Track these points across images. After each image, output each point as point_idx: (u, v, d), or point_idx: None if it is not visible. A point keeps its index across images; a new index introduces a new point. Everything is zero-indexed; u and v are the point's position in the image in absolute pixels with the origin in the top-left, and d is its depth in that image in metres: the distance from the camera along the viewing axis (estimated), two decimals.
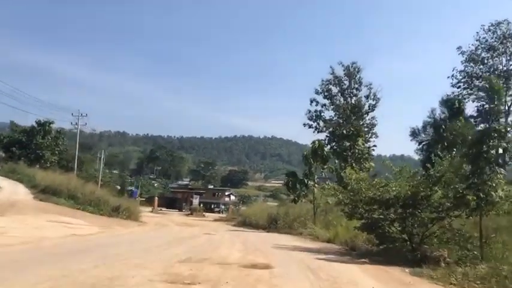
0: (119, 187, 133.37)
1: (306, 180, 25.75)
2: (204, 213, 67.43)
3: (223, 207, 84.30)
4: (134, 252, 11.62)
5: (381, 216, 13.40)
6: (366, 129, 42.97)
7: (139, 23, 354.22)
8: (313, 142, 26.33)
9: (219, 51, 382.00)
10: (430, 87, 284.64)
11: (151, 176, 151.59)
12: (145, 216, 49.81)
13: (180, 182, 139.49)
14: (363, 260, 12.60)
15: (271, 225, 28.51)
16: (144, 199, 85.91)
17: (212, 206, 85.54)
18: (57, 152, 48.84)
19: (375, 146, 36.86)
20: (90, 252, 11.04)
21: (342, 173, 15.17)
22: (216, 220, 50.69)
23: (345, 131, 29.11)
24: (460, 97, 42.34)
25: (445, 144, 28.12)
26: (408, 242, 13.09)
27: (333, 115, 50.46)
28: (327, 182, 26.35)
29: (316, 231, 21.09)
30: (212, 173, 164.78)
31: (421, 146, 37.17)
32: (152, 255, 10.81)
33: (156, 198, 70.92)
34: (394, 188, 13.04)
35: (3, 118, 48.83)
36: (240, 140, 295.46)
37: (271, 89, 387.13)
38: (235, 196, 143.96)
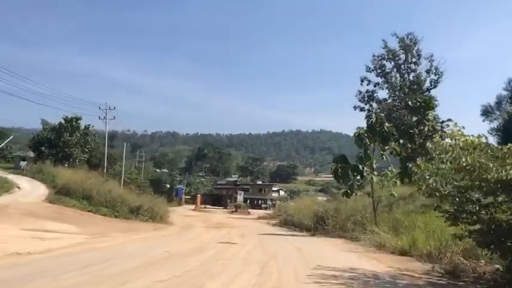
0: (168, 185, 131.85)
1: (360, 167, 18.94)
2: (249, 210, 61.85)
3: (270, 203, 78.20)
4: None
5: None
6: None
7: (186, 25, 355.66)
8: (369, 116, 19.54)
9: (264, 46, 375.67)
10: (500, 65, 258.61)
11: (200, 174, 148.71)
12: (182, 215, 45.05)
13: (228, 179, 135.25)
14: None
15: (318, 225, 21.99)
16: (189, 197, 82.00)
17: (259, 202, 79.70)
18: (87, 150, 44.93)
19: (449, 120, 27.62)
20: None
21: (435, 138, 7.84)
22: (259, 218, 44.68)
23: (410, 103, 21.84)
24: None
25: None
26: None
27: (388, 95, 43.14)
28: (389, 168, 19.40)
29: (380, 237, 14.34)
30: (260, 168, 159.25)
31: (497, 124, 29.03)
32: None
33: (199, 195, 66.15)
34: None
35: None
36: (288, 134, 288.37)
37: (318, 82, 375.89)
38: (285, 191, 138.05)
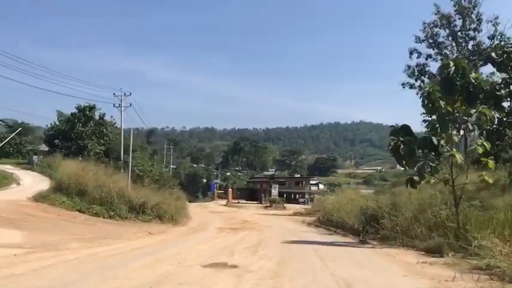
0: (205, 180, 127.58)
1: (434, 140, 12.25)
2: (284, 204, 55.58)
3: (308, 197, 71.47)
4: None
5: None
6: None
7: (224, 23, 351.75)
8: (445, 65, 12.74)
9: (303, 40, 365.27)
10: None
11: (236, 168, 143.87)
12: (209, 211, 39.67)
13: (265, 173, 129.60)
14: None
15: (369, 227, 15.44)
16: (223, 191, 76.91)
17: (296, 196, 73.07)
18: (102, 142, 40.19)
19: None
20: None
21: None
22: (295, 214, 38.32)
23: (494, 54, 14.74)
24: None
25: None
26: None
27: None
28: (479, 142, 12.49)
29: (496, 256, 7.70)
30: (298, 161, 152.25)
31: None
32: None
33: (230, 189, 60.53)
34: None
35: None
36: (326, 127, 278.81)
37: (358, 73, 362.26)
38: (324, 185, 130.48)
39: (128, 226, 18.30)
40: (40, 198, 21.79)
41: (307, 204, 68.31)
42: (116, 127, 42.69)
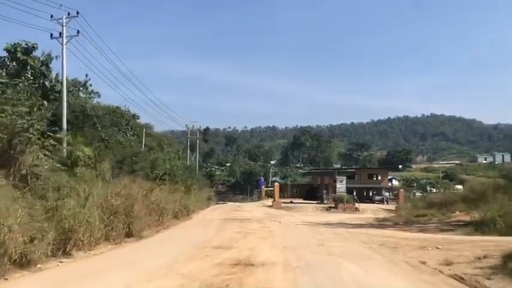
0: (262, 178, 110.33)
1: None
2: (356, 205, 37.09)
3: (387, 194, 51.45)
4: None
5: None
6: None
7: (280, 23, 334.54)
8: None
9: (366, 34, 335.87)
10: None
11: (297, 165, 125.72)
12: (240, 217, 23.05)
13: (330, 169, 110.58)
14: None
15: None
16: (272, 189, 59.28)
17: (370, 193, 53.37)
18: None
19: None
20: None
21: None
22: (381, 223, 20.01)
23: None
24: None
25: None
26: None
27: None
28: None
29: None
30: (367, 155, 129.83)
31: None
32: None
33: (277, 185, 42.88)
34: None
35: None
36: (394, 121, 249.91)
37: (425, 65, 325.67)
38: (398, 180, 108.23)
39: None
40: None
41: (386, 203, 48.62)
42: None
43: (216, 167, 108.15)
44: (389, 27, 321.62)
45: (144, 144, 25.60)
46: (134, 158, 18.96)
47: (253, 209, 32.48)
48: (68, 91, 22.41)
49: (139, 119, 38.43)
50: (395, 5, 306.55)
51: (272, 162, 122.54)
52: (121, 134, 24.48)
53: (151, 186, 15.48)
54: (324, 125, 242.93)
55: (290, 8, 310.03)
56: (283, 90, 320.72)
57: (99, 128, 19.23)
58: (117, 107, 27.57)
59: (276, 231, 14.75)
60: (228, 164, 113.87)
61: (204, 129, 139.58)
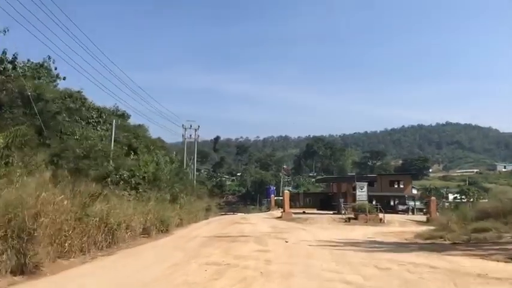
0: (273, 187, 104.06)
1: None
2: (380, 215, 31.21)
3: (412, 203, 45.14)
4: None
5: None
6: None
7: (295, 33, 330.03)
8: None
9: (378, 44, 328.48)
10: None
11: (310, 174, 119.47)
12: (238, 234, 16.83)
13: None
14: None
15: None
16: (282, 198, 53.43)
17: (392, 202, 47.09)
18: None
19: None
20: None
21: None
22: (432, 244, 14.41)
23: None
24: None
25: None
26: None
27: None
28: None
29: None
30: (383, 163, 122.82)
31: None
32: None
33: (287, 192, 37.03)
34: None
35: None
36: (408, 130, 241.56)
37: (438, 73, 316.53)
38: (417, 189, 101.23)
39: None
40: None
41: (412, 213, 42.36)
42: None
43: (227, 176, 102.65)
44: (403, 35, 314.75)
45: (115, 141, 20.44)
46: (78, 150, 13.80)
47: (258, 221, 26.85)
48: (23, 75, 17.58)
49: (129, 118, 33.88)
50: (407, 14, 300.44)
51: (284, 166, 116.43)
52: (89, 129, 19.58)
53: (94, 192, 10.20)
54: (336, 134, 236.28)
55: (303, 17, 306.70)
56: (296, 99, 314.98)
57: (36, 112, 14.18)
58: (78, 91, 22.76)
59: (276, 261, 9.22)
60: (238, 174, 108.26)
61: (215, 139, 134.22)
